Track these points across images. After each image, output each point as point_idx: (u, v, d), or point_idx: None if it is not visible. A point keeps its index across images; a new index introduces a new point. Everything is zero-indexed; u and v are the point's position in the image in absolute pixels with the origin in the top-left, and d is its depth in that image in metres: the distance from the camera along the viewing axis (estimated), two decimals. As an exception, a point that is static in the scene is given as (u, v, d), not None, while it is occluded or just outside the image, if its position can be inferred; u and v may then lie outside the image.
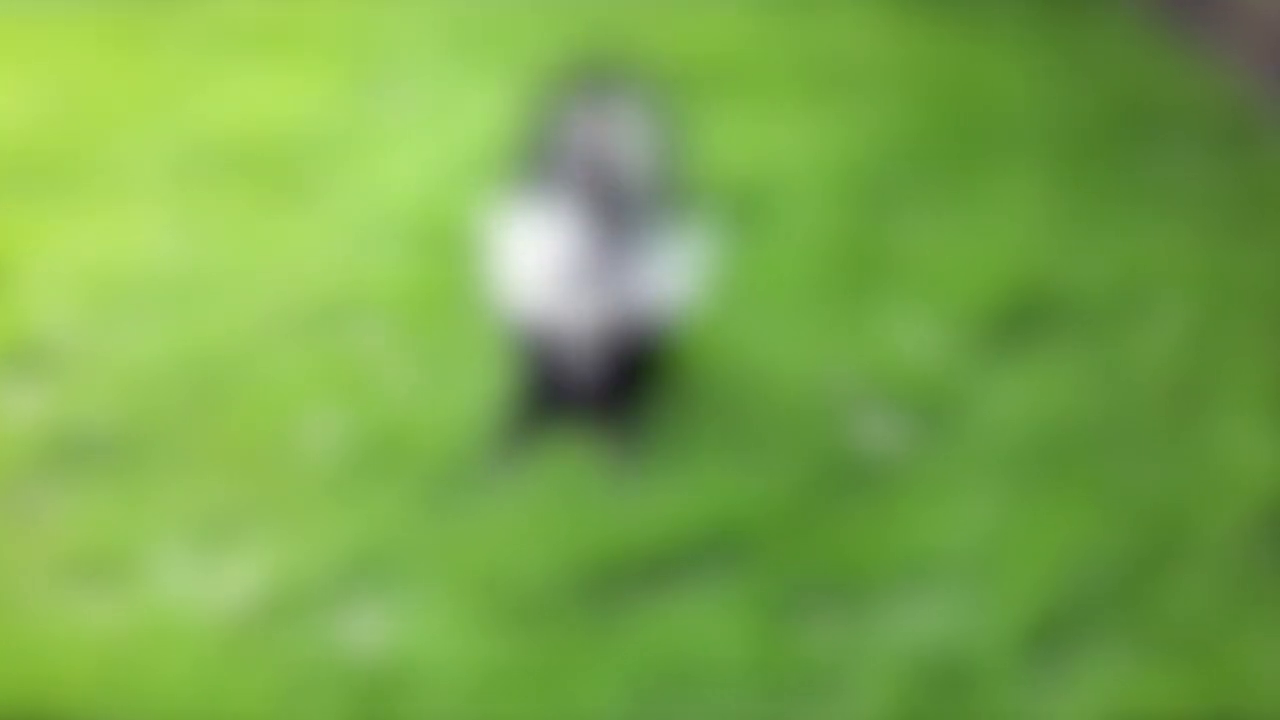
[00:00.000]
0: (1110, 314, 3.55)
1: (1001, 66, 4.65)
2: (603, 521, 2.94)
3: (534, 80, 3.13)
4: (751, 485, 3.01)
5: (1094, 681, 2.64)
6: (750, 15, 4.94)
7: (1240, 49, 4.74)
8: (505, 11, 5.33)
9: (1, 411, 3.27)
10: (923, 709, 2.61)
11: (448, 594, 2.82)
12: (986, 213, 3.93)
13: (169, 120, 4.34)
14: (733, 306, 3.53)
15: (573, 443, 3.13)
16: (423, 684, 2.65)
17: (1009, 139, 4.28)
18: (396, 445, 3.17)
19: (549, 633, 2.74)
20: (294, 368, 3.41)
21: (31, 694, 2.63)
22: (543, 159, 3.04)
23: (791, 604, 2.77)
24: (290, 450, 3.18)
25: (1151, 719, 2.59)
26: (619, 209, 3.02)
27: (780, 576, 2.82)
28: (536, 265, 3.08)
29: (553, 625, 2.75)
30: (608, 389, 3.11)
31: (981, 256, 3.72)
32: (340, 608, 2.81)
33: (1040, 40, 4.84)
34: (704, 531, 2.90)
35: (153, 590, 2.85)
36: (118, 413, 3.26)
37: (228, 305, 3.63)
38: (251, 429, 3.22)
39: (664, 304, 3.11)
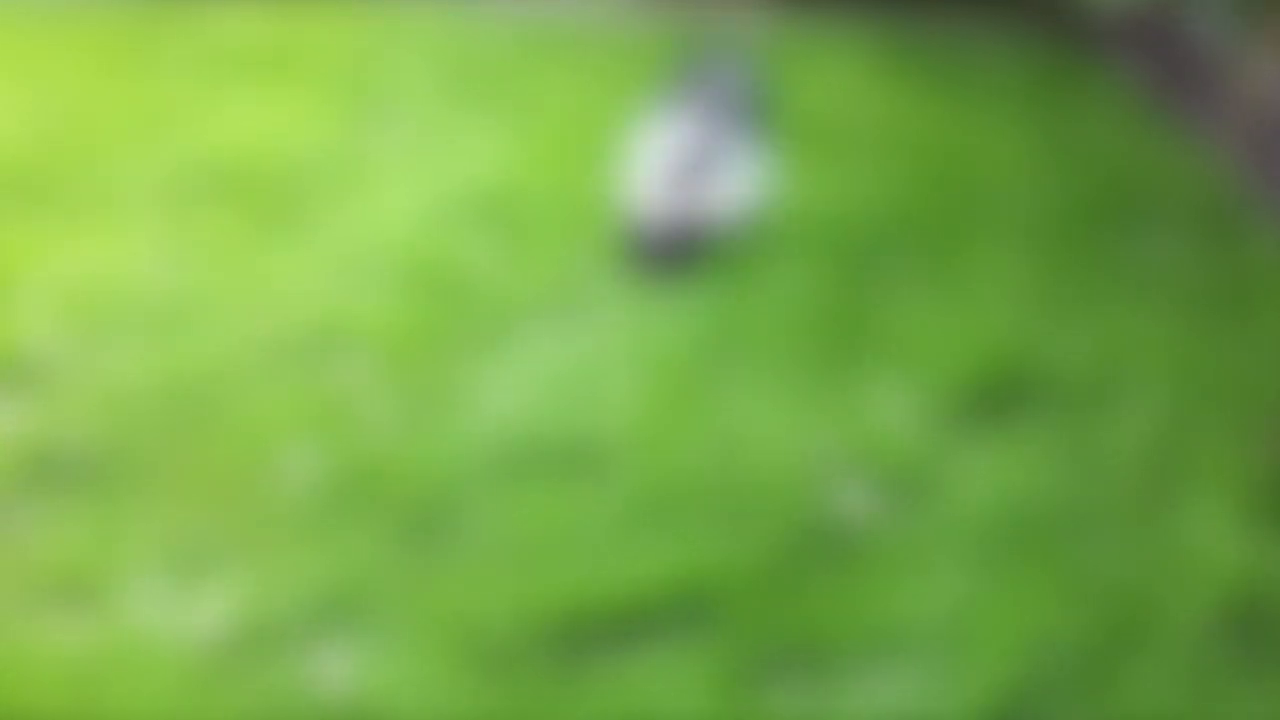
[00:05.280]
0: (1086, 395, 3.58)
1: (991, 141, 4.69)
2: (576, 574, 2.96)
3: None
4: (724, 548, 3.03)
5: (1053, 764, 2.66)
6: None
7: (1228, 135, 4.78)
8: (503, 50, 5.36)
9: (-19, 427, 3.28)
10: (882, 781, 2.63)
11: (417, 637, 2.83)
12: (968, 286, 3.97)
13: (162, 143, 4.36)
14: (712, 367, 3.56)
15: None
16: (388, 726, 2.67)
17: (995, 213, 4.32)
18: (373, 483, 3.18)
19: (516, 683, 2.75)
20: (275, 398, 3.42)
21: (-2, 714, 2.64)
22: (677, 88, 4.16)
23: (758, 669, 2.79)
24: (268, 481, 3.19)
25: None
26: (724, 130, 4.09)
27: (748, 641, 2.83)
28: (656, 162, 4.07)
29: (520, 675, 2.76)
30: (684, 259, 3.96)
31: (961, 330, 3.75)
32: (310, 644, 2.82)
33: (1031, 117, 4.88)
34: (675, 592, 2.92)
35: (124, 616, 2.85)
36: (97, 434, 3.27)
37: (212, 331, 3.64)
38: (230, 458, 3.23)
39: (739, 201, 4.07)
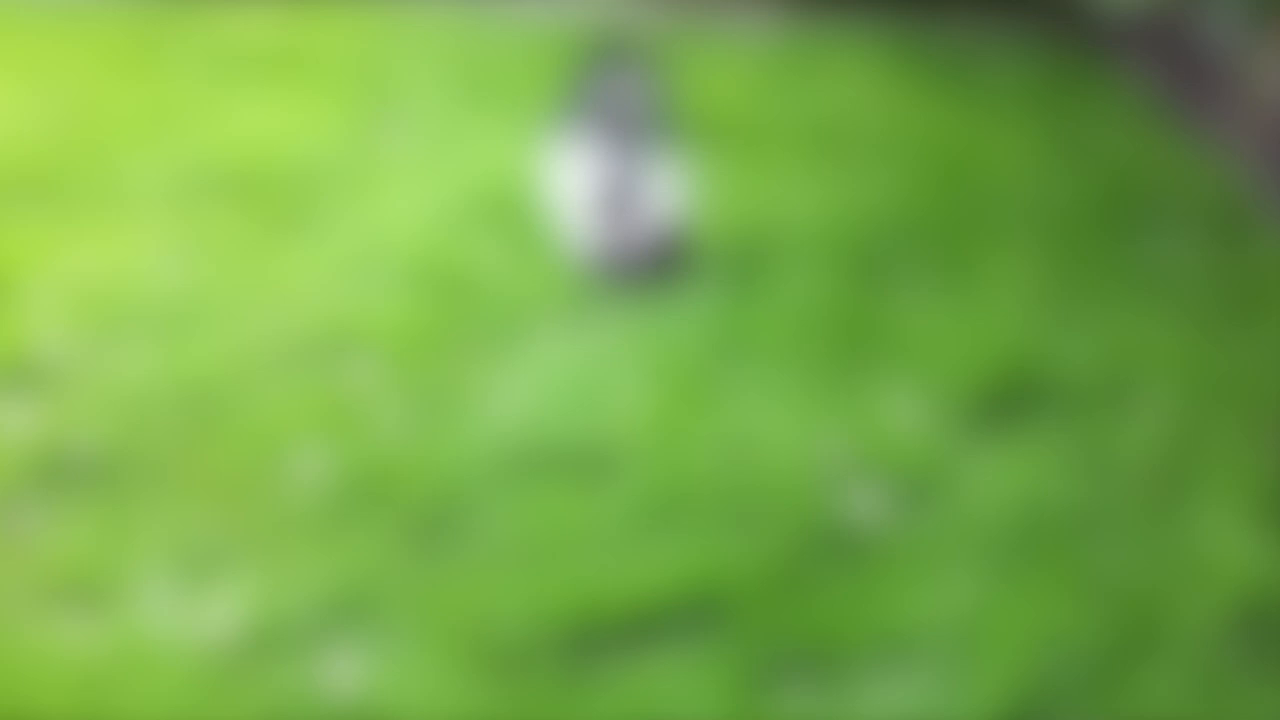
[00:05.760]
0: (1097, 398, 3.57)
1: (1001, 144, 4.68)
2: (586, 576, 2.95)
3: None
4: (734, 551, 3.02)
5: (1064, 767, 2.66)
6: (752, 75, 4.97)
7: (1240, 136, 4.77)
8: (512, 51, 5.35)
9: (-8, 428, 3.28)
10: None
11: (427, 639, 2.83)
12: (978, 288, 3.96)
13: (171, 143, 4.36)
14: (723, 369, 3.55)
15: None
16: (397, 728, 2.66)
17: (1005, 216, 4.31)
18: (383, 485, 3.18)
19: (526, 685, 2.74)
20: (285, 399, 3.42)
21: (6, 716, 2.63)
22: (577, 110, 4.01)
23: (768, 672, 2.78)
24: (276, 483, 3.19)
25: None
26: (636, 144, 3.98)
27: (758, 644, 2.83)
28: (578, 191, 4.01)
29: (530, 677, 2.76)
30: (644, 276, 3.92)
31: (971, 333, 3.74)
32: (319, 646, 2.82)
33: (1040, 119, 4.87)
34: (685, 595, 2.91)
35: (134, 617, 2.85)
36: (107, 435, 3.27)
37: (222, 332, 3.64)
38: (239, 459, 3.23)
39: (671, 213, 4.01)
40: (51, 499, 3.10)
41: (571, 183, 4.01)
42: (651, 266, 3.93)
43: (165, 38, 5.02)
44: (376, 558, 3.00)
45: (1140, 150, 4.80)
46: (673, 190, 4.01)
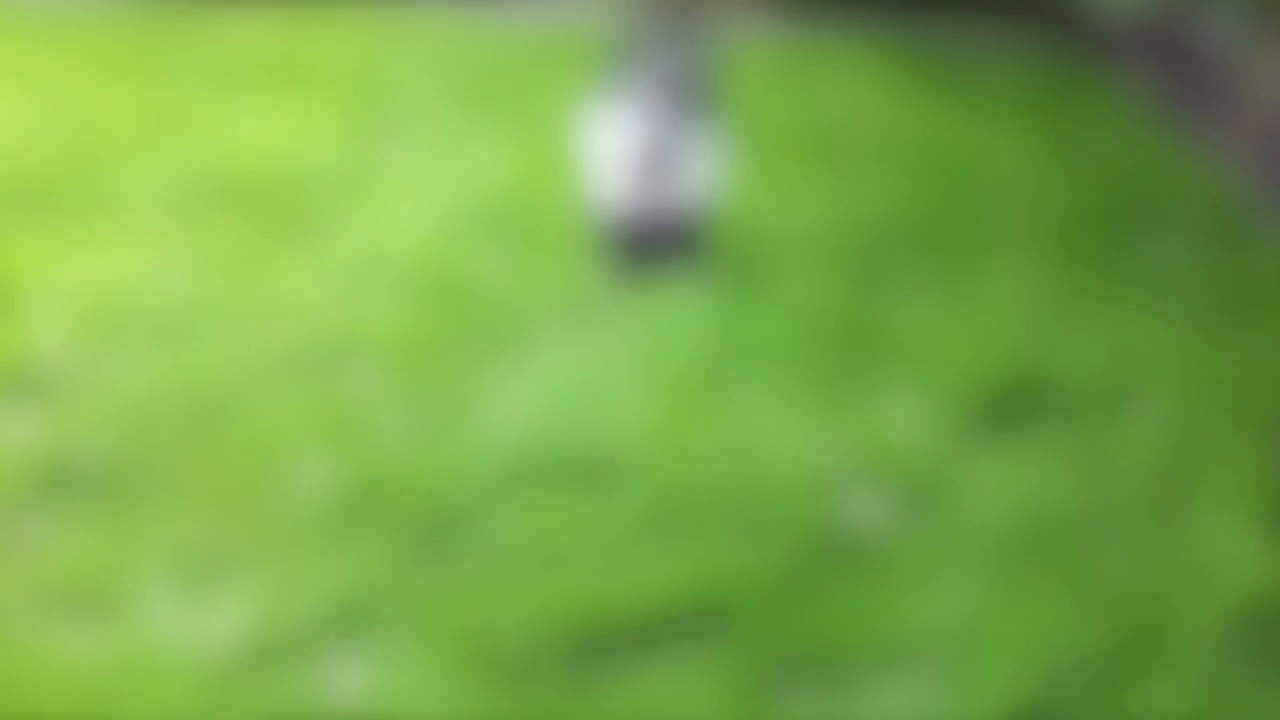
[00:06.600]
0: (1098, 402, 3.58)
1: (1001, 149, 4.69)
2: (589, 583, 2.95)
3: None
4: (738, 557, 3.02)
5: (1068, 773, 2.66)
6: (753, 80, 4.97)
7: (1238, 139, 4.78)
8: (511, 59, 5.36)
9: (-6, 436, 3.28)
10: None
11: (430, 646, 2.83)
12: (979, 294, 3.96)
13: (173, 152, 4.37)
14: (724, 375, 3.56)
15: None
16: (401, 736, 2.66)
17: (1005, 221, 4.32)
18: (386, 492, 3.18)
19: (530, 692, 2.74)
20: (286, 408, 3.42)
21: (10, 724, 2.64)
22: (628, 72, 4.08)
23: (772, 678, 2.78)
24: (279, 491, 3.19)
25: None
26: (682, 111, 4.06)
27: (762, 650, 2.82)
28: (618, 151, 4.07)
29: (534, 684, 2.76)
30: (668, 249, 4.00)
31: (973, 338, 3.75)
32: (323, 654, 2.81)
33: (1040, 123, 4.88)
34: (689, 601, 2.91)
35: (136, 626, 2.85)
36: (109, 444, 3.27)
37: (223, 341, 3.64)
38: (242, 468, 3.23)
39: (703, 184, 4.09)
40: (54, 507, 3.10)
41: (613, 142, 4.08)
42: (674, 238, 4.01)
43: (166, 46, 5.03)
44: (380, 565, 3.00)
45: (1140, 154, 4.80)
46: (708, 162, 4.09)
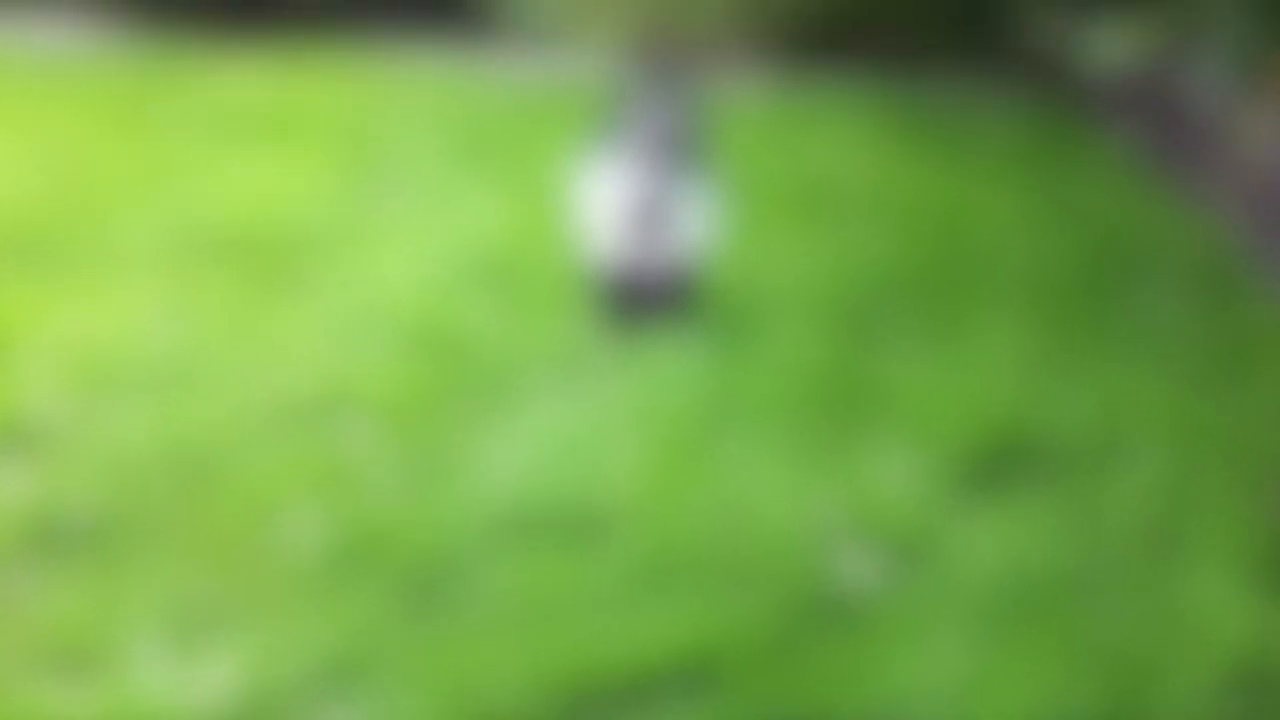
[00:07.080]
0: (1088, 459, 3.58)
1: (991, 204, 4.71)
2: (580, 640, 2.95)
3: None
4: (728, 614, 3.02)
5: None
6: (743, 134, 4.99)
7: (1226, 196, 4.80)
8: (503, 111, 5.37)
9: (-16, 490, 3.28)
10: None
11: (421, 702, 2.82)
12: (969, 349, 3.97)
13: (167, 204, 4.38)
14: (714, 431, 3.56)
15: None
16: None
17: (995, 276, 4.33)
18: (377, 547, 3.18)
19: (520, 749, 2.74)
20: (278, 462, 3.42)
21: (0, 781, 2.63)
22: (621, 123, 4.09)
23: (762, 736, 2.78)
24: (270, 545, 3.19)
25: None
26: (675, 163, 4.07)
27: (752, 708, 2.82)
28: (612, 203, 4.08)
29: (524, 742, 2.76)
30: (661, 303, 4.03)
31: (963, 393, 3.76)
32: (313, 710, 2.81)
33: (1030, 179, 4.90)
34: (679, 657, 2.91)
35: (127, 681, 2.84)
36: (100, 498, 3.27)
37: (215, 393, 3.64)
38: (233, 522, 3.23)
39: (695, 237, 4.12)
40: (45, 563, 3.10)
41: (605, 195, 4.11)
42: (666, 291, 4.03)
43: (161, 97, 5.04)
44: (371, 620, 3.00)
45: (1129, 209, 4.82)
46: (699, 216, 4.11)
